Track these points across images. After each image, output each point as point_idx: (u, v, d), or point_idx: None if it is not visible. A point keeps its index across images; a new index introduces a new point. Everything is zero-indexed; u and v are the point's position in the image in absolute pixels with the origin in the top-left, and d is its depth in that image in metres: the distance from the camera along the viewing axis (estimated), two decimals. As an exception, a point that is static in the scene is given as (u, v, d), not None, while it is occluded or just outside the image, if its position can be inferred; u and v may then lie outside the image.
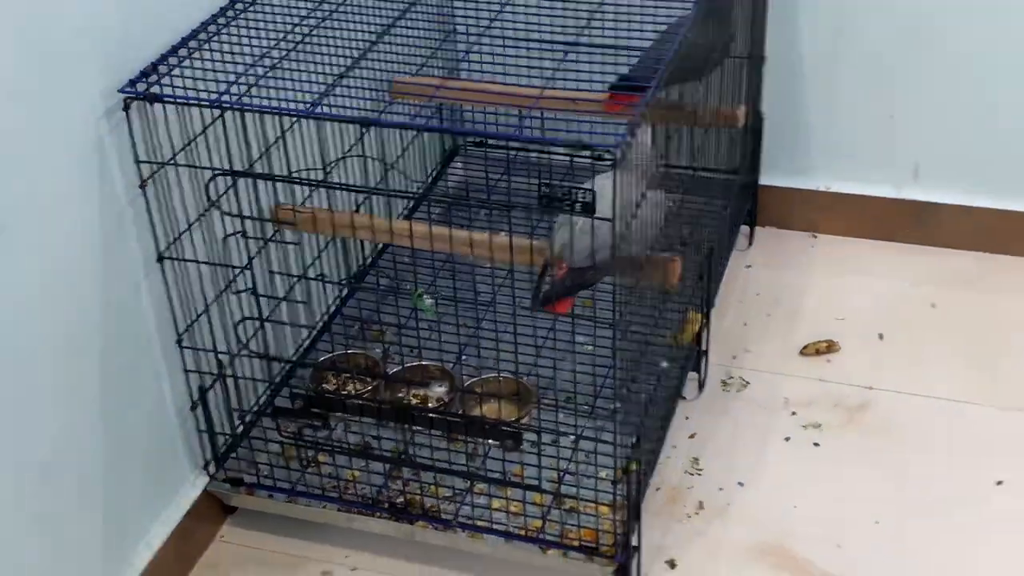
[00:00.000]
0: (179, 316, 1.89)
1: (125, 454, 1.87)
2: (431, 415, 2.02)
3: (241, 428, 2.07)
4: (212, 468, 2.05)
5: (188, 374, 1.94)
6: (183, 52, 1.80)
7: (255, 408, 2.11)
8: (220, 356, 1.94)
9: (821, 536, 2.05)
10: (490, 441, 2.02)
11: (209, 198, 1.78)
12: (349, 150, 2.05)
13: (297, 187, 2.02)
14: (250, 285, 1.90)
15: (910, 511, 2.09)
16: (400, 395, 2.21)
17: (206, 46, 1.83)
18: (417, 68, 2.43)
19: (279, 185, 1.92)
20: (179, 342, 1.90)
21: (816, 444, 2.23)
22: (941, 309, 2.54)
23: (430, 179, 2.82)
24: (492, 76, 2.10)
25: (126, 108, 1.70)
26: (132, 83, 1.71)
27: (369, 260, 2.50)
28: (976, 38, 2.49)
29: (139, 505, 1.93)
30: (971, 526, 2.05)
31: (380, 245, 2.51)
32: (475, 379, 2.19)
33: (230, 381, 1.99)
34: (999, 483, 2.13)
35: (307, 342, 2.30)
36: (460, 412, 2.13)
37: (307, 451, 2.05)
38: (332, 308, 2.40)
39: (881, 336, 2.48)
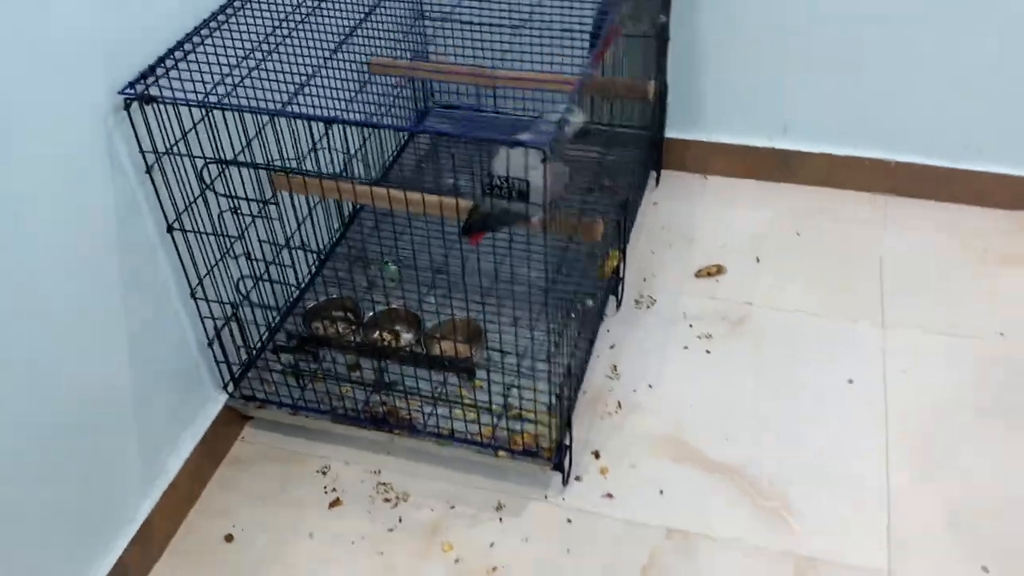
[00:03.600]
0: (191, 274, 1.60)
1: (157, 382, 1.60)
2: (401, 353, 1.76)
3: (249, 358, 1.80)
4: (230, 387, 1.79)
5: (203, 320, 1.67)
6: (178, 54, 1.46)
7: (259, 344, 1.82)
8: (226, 306, 1.66)
9: (712, 429, 1.82)
10: (450, 374, 1.76)
11: (202, 182, 1.48)
12: (320, 139, 1.75)
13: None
14: (246, 250, 1.61)
15: (782, 408, 1.85)
16: (375, 336, 1.90)
17: (199, 48, 1.49)
18: (393, 48, 2.11)
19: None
20: (193, 295, 1.61)
21: (708, 352, 1.98)
22: (804, 237, 2.27)
23: (404, 139, 2.50)
24: (454, 53, 1.81)
25: (127, 107, 1.39)
26: (131, 84, 1.38)
27: (343, 226, 2.16)
28: (841, 28, 2.19)
29: (170, 420, 1.66)
30: (829, 416, 1.83)
31: (353, 208, 2.18)
32: (435, 324, 1.88)
33: (237, 324, 1.71)
34: (850, 381, 1.91)
35: (296, 292, 1.95)
36: (424, 352, 1.84)
37: (303, 377, 1.79)
38: (315, 267, 2.05)
39: (758, 260, 2.21)
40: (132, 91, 1.38)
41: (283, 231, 1.69)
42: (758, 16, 2.22)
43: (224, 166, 1.44)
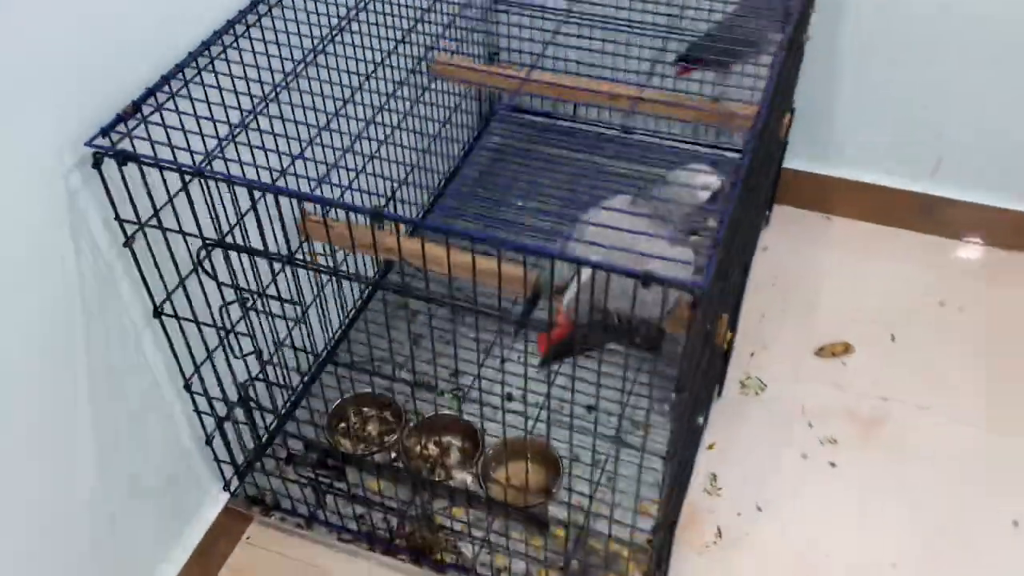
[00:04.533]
0: (184, 363, 1.23)
1: (142, 488, 1.25)
2: (451, 488, 1.38)
3: (256, 449, 1.41)
4: (233, 484, 1.42)
5: (200, 415, 1.30)
6: (163, 93, 1.06)
7: (268, 434, 1.44)
8: (224, 402, 1.28)
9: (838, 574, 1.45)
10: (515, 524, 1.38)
11: (198, 265, 1.10)
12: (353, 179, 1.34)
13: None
14: (250, 333, 1.22)
15: (928, 554, 1.45)
16: (417, 451, 1.48)
17: (200, 77, 1.10)
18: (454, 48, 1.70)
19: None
20: (187, 387, 1.25)
21: (832, 464, 1.58)
22: (950, 308, 1.84)
23: (470, 142, 2.09)
24: (534, 59, 1.39)
25: (97, 164, 1.01)
26: (104, 132, 1.00)
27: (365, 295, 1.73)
28: (1004, 44, 1.73)
29: (159, 529, 1.32)
30: (986, 569, 1.43)
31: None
32: (497, 442, 1.45)
33: (243, 418, 1.34)
34: (1015, 524, 1.50)
35: (300, 387, 1.51)
36: (482, 484, 1.40)
37: (322, 492, 1.41)
38: (332, 342, 1.63)
39: (893, 338, 1.79)
40: (104, 143, 1.00)
41: (297, 304, 1.30)
42: (912, 28, 1.76)
43: (227, 249, 1.06)
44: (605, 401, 1.52)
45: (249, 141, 1.08)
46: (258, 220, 1.07)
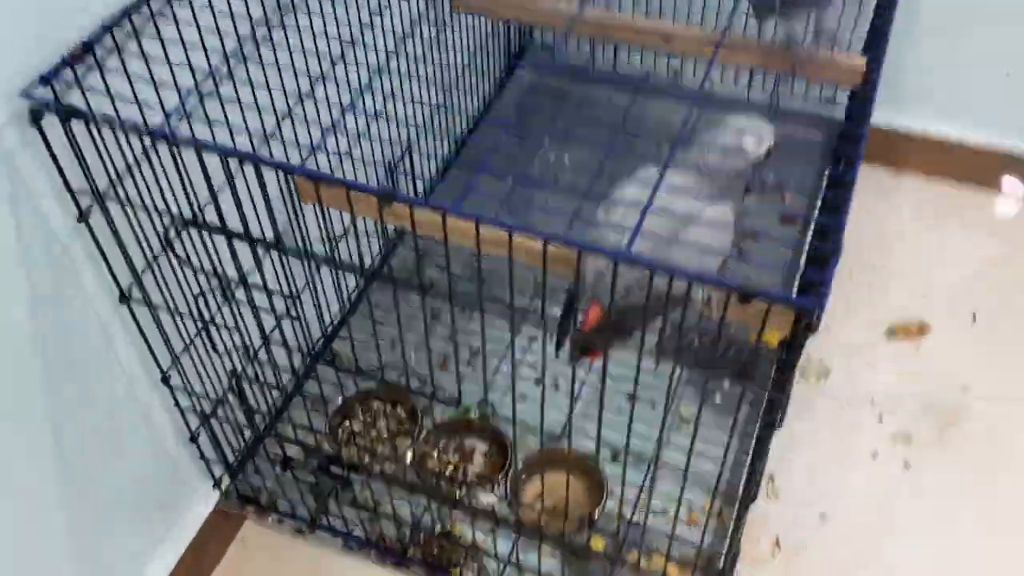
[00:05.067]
0: (160, 355, 1.04)
1: (118, 495, 1.08)
2: (473, 505, 1.19)
3: (247, 454, 1.24)
4: (224, 482, 1.25)
5: (182, 411, 1.12)
6: (123, 32, 0.84)
7: (264, 426, 1.25)
8: (209, 398, 1.10)
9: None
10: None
11: (167, 246, 0.90)
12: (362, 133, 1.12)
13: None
14: (236, 320, 1.02)
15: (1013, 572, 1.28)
16: (435, 457, 1.28)
17: (161, 19, 0.88)
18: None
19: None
20: (164, 380, 1.07)
21: (906, 466, 1.40)
22: (1040, 283, 1.64)
23: (496, 87, 1.86)
24: None
25: (36, 121, 0.81)
26: (45, 80, 0.80)
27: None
28: None
29: (146, 531, 1.16)
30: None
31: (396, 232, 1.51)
32: (534, 455, 1.25)
33: (232, 414, 1.15)
34: (1118, 539, 1.32)
35: (294, 382, 1.29)
36: (511, 503, 1.21)
37: (324, 498, 1.23)
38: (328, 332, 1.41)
39: (975, 317, 1.58)
40: (44, 95, 0.80)
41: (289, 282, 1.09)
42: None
43: (201, 229, 0.86)
44: (645, 389, 1.33)
45: (236, 89, 0.88)
46: (235, 195, 0.86)
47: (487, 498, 1.19)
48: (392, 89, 1.29)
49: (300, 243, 0.91)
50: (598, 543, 1.19)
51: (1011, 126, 1.69)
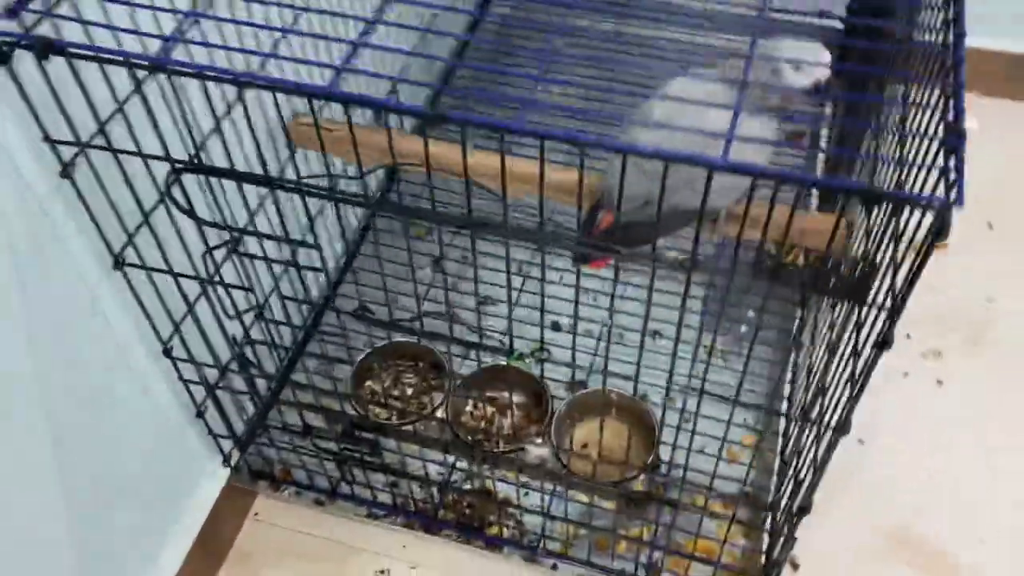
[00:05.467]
0: (161, 325, 0.95)
1: (122, 475, 0.98)
2: (513, 459, 1.10)
3: (258, 424, 1.13)
4: (234, 458, 1.16)
5: (186, 384, 1.02)
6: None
7: (276, 385, 1.12)
8: (215, 366, 1.00)
9: (959, 523, 1.21)
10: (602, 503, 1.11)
11: (162, 193, 0.80)
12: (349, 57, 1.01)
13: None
14: (242, 277, 0.92)
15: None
16: (469, 413, 1.20)
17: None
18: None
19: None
20: (166, 352, 0.97)
21: (939, 382, 1.36)
22: (1052, 187, 1.59)
23: (472, 19, 1.73)
24: None
25: (4, 60, 0.70)
26: (11, 12, 0.69)
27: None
28: None
29: (156, 513, 1.07)
30: None
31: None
32: (574, 398, 1.16)
33: (240, 383, 1.07)
34: None
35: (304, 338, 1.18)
36: (559, 456, 1.11)
37: (348, 466, 1.13)
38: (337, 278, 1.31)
39: (990, 225, 1.53)
40: (12, 28, 0.69)
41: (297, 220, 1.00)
42: None
43: (203, 174, 0.76)
44: (669, 326, 1.27)
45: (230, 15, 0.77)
46: (235, 132, 0.76)
47: (537, 451, 1.11)
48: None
49: (303, 183, 0.81)
50: (653, 487, 1.13)
51: (1004, 27, 1.64)
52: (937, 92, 0.67)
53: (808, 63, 0.85)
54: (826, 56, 0.86)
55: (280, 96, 0.90)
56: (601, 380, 1.03)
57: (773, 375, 1.29)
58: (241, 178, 0.77)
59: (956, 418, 1.31)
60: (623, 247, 0.86)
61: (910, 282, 0.66)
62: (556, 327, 1.31)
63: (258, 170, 0.80)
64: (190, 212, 0.78)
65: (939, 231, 0.59)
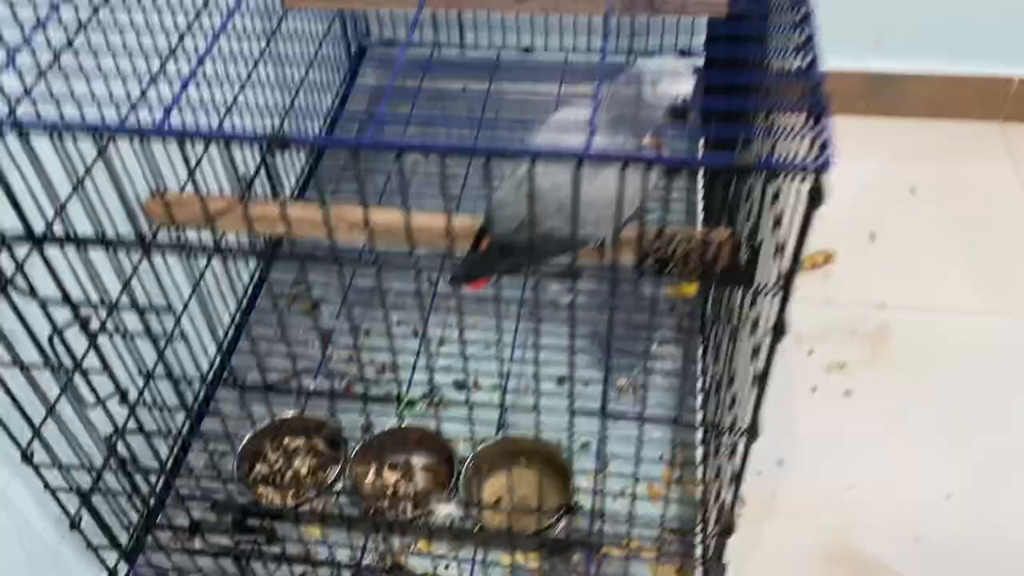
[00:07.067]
0: (15, 428, 0.86)
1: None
2: (432, 529, 1.03)
3: (143, 529, 1.03)
4: (120, 572, 1.04)
5: (54, 493, 0.92)
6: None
7: (156, 505, 1.06)
8: (87, 469, 0.90)
9: (891, 527, 1.19)
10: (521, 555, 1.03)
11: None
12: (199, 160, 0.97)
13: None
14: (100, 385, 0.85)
15: (981, 475, 1.23)
16: (370, 482, 1.11)
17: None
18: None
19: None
20: (26, 458, 0.88)
21: (847, 393, 1.35)
22: (922, 195, 1.62)
23: (342, 87, 1.72)
24: None
25: None
26: None
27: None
28: None
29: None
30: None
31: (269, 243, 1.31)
32: (486, 443, 1.10)
33: (118, 484, 0.95)
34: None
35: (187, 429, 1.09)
36: (470, 511, 1.05)
37: (247, 562, 1.01)
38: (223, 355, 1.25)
39: (872, 237, 1.56)
40: None
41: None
42: None
43: (36, 243, 0.68)
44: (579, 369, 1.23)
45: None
46: (82, 195, 0.70)
47: (444, 508, 1.03)
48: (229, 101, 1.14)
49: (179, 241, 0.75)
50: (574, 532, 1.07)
51: (863, 49, 1.71)
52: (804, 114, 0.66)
53: (670, 79, 0.85)
54: (687, 71, 0.86)
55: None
56: (504, 429, 0.98)
57: (683, 394, 1.27)
58: (85, 243, 0.70)
59: (869, 425, 1.30)
60: (501, 271, 0.84)
61: (795, 256, 0.63)
62: (460, 385, 1.26)
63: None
64: (30, 292, 0.71)
65: (816, 194, 0.57)
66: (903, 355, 1.39)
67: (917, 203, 1.61)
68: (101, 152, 0.63)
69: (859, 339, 1.41)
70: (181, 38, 0.93)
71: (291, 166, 1.49)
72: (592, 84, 0.87)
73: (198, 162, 0.99)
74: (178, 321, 0.94)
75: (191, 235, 0.88)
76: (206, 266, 1.08)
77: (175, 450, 1.09)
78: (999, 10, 1.62)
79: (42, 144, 0.66)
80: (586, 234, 0.85)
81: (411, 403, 1.16)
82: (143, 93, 0.72)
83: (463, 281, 0.93)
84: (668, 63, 0.84)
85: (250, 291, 1.33)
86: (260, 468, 1.13)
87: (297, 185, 1.52)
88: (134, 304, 0.75)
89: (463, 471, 1.07)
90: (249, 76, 1.21)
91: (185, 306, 1.00)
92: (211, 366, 1.18)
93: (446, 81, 1.72)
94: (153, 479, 1.00)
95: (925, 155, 1.70)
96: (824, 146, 0.57)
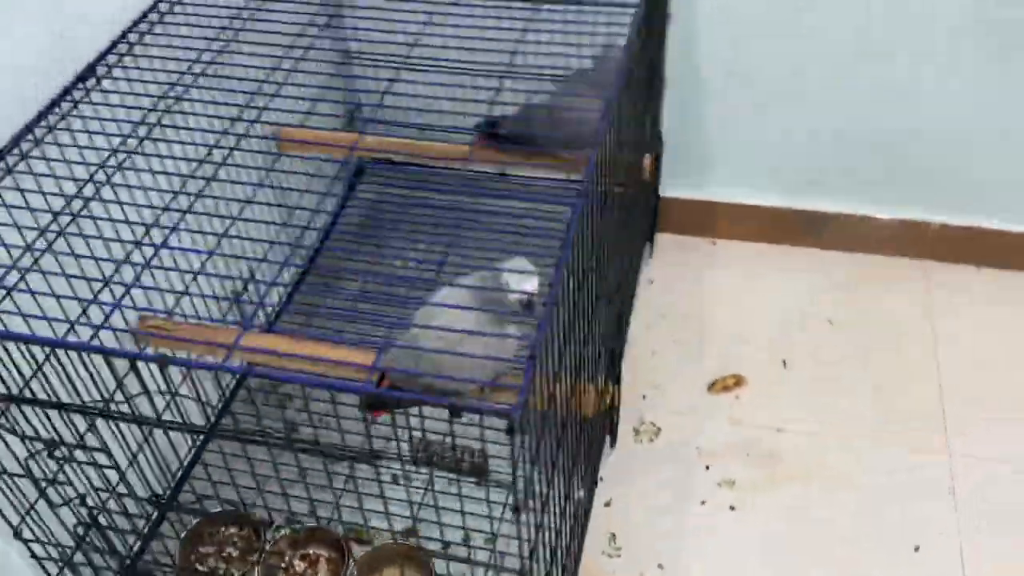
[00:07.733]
0: (8, 511, 1.12)
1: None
2: None
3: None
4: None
5: (42, 563, 1.18)
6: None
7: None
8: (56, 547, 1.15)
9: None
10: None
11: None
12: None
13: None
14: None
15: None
16: (283, 567, 1.33)
17: None
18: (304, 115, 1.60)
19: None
20: (17, 535, 1.13)
21: (732, 508, 1.53)
22: (839, 324, 1.81)
23: (340, 206, 1.98)
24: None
25: None
26: None
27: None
28: (852, 69, 1.71)
29: None
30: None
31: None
32: (367, 552, 1.32)
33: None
34: (916, 549, 1.46)
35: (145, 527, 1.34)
36: None
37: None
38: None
39: (785, 363, 1.75)
40: None
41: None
42: (770, 49, 1.73)
43: (12, 404, 0.94)
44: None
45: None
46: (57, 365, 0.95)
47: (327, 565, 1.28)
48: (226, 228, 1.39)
49: (132, 408, 1.00)
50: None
51: (796, 188, 1.90)
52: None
53: (520, 278, 1.07)
54: (533, 274, 1.07)
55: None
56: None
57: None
58: (50, 407, 0.96)
59: (748, 540, 1.49)
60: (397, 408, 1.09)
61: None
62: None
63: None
64: (11, 430, 0.96)
65: (509, 428, 0.77)
66: (787, 475, 1.57)
67: (832, 333, 1.80)
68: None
69: (752, 459, 1.59)
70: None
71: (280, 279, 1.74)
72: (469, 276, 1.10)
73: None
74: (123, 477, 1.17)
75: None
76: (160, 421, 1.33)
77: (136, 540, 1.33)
78: (920, 163, 1.81)
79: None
80: (459, 387, 1.07)
81: (278, 528, 1.36)
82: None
83: (367, 408, 1.16)
84: (521, 265, 1.06)
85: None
86: (202, 550, 1.34)
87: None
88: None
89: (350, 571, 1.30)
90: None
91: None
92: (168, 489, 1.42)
93: (430, 193, 1.97)
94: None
95: (847, 287, 1.88)
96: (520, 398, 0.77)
